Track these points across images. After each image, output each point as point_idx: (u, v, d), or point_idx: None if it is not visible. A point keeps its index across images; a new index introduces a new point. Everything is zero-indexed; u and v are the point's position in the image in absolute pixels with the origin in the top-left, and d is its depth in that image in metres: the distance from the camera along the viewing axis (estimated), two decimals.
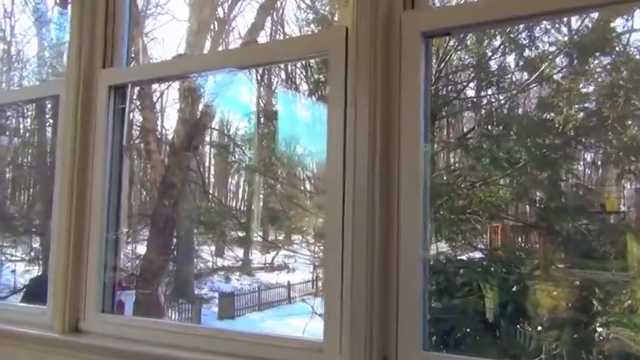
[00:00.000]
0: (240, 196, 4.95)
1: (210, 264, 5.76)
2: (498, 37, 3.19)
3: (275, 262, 5.71)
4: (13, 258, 4.53)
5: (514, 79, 3.26)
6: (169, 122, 4.82)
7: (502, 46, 3.19)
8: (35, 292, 4.14)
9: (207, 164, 4.85)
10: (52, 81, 1.89)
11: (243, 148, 3.92)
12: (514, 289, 2.67)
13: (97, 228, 1.77)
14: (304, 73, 3.73)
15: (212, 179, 4.97)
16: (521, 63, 3.21)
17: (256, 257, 5.68)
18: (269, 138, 3.58)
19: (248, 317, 5.54)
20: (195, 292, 5.58)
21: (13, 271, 4.40)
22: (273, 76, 3.76)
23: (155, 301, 4.82)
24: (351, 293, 1.18)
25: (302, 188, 3.93)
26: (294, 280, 5.63)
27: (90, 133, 1.80)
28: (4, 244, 4.55)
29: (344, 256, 1.22)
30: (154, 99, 4.47)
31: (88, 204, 1.78)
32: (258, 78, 3.59)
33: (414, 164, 1.17)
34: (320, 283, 5.07)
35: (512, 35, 3.11)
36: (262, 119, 3.57)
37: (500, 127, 3.09)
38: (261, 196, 4.33)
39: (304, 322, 4.50)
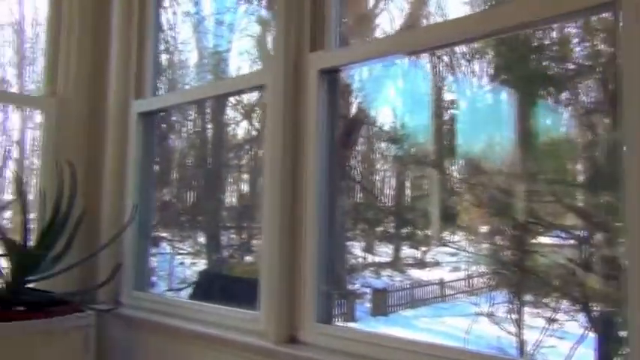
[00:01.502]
0: (396, 191, 4.71)
1: (360, 259, 5.62)
2: None
3: (426, 259, 5.44)
4: (181, 252, 4.65)
5: None
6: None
7: None
8: (204, 286, 4.18)
9: (364, 159, 4.66)
10: (256, 71, 1.78)
11: (409, 141, 3.66)
12: None
13: (313, 227, 1.59)
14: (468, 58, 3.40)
15: (373, 176, 4.78)
16: None
17: (407, 253, 5.44)
18: (442, 129, 3.29)
19: (401, 314, 5.33)
20: (348, 288, 5.45)
21: (182, 264, 4.52)
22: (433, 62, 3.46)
23: None
24: None
25: (471, 182, 3.61)
26: (447, 278, 5.34)
27: (301, 122, 1.63)
28: (175, 238, 4.66)
29: None
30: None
31: (303, 202, 1.61)
32: (423, 64, 3.30)
33: None
34: (475, 281, 4.75)
35: None
36: (436, 109, 3.29)
37: None
38: (426, 192, 4.06)
39: (461, 322, 4.22)
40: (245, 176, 4.98)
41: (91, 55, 2.26)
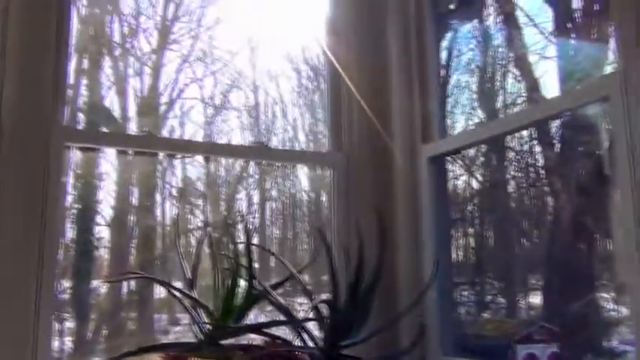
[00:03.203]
0: None
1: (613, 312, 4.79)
2: None
3: None
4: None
5: None
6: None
7: None
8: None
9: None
10: (598, 78, 1.48)
11: None
12: None
13: None
14: None
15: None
16: None
17: None
18: None
19: None
20: (604, 345, 4.66)
21: None
22: None
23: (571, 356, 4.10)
24: None
25: None
26: None
27: None
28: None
29: None
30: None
31: None
32: None
33: None
34: None
35: None
36: None
37: None
38: None
39: None
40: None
41: (372, 103, 2.14)
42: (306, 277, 2.72)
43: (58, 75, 1.83)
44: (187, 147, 2.52)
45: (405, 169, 2.01)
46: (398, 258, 2.00)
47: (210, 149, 2.51)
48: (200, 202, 4.92)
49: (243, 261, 1.88)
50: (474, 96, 3.77)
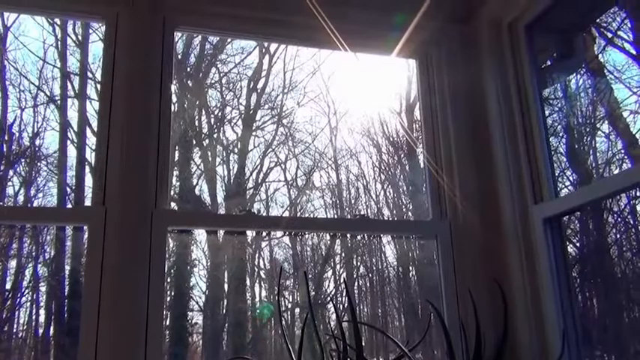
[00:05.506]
0: None
1: None
2: None
3: None
4: None
5: None
6: None
7: None
8: None
9: None
10: None
11: None
12: None
13: None
14: None
15: None
16: None
17: None
18: None
19: None
20: None
21: None
22: None
23: None
24: None
25: None
26: None
27: None
28: None
29: None
30: None
31: None
32: None
33: None
34: None
35: None
36: None
37: None
38: None
39: None
40: None
41: (475, 165, 2.01)
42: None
43: (159, 163, 1.83)
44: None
45: (517, 231, 1.82)
46: (517, 330, 1.78)
47: (308, 224, 2.43)
48: (289, 282, 4.84)
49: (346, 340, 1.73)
50: (574, 154, 3.52)
